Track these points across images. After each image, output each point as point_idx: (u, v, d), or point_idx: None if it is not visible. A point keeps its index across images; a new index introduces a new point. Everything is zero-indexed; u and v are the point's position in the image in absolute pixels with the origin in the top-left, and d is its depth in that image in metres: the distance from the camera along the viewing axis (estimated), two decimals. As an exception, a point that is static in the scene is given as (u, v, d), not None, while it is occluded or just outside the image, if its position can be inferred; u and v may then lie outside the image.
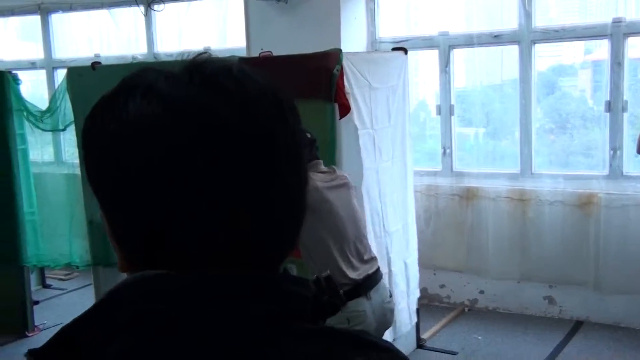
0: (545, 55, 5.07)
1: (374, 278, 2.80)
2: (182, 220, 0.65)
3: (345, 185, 2.91)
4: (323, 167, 2.91)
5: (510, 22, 4.87)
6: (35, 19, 6.48)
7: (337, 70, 3.22)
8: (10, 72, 4.91)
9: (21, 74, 5.04)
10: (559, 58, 5.25)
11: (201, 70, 0.68)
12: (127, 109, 0.67)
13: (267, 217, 0.68)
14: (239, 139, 0.66)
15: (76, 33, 6.60)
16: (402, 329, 3.67)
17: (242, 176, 0.66)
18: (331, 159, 3.24)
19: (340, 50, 3.29)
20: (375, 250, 3.46)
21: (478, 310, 5.03)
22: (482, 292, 5.03)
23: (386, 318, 2.86)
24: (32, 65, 6.54)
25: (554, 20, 4.90)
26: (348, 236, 2.79)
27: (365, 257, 2.81)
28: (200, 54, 0.71)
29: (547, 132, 5.07)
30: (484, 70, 5.40)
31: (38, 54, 6.54)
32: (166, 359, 0.63)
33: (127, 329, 0.63)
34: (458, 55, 5.14)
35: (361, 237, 2.86)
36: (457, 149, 5.19)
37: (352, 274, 2.72)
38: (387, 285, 2.96)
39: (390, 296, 2.92)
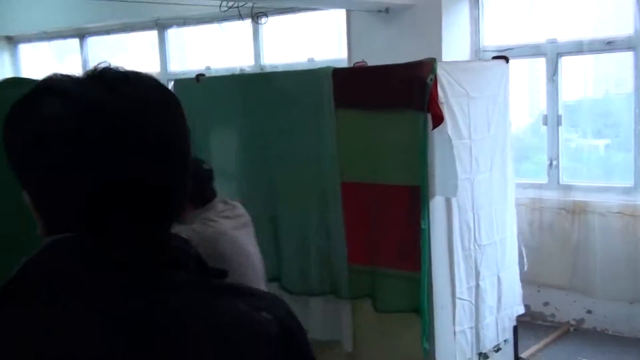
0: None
1: None
2: (87, 194, 0.79)
3: (248, 224, 2.72)
4: (220, 206, 2.66)
5: (624, 27, 4.60)
6: (153, 34, 6.86)
7: (431, 79, 3.16)
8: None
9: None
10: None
11: (102, 77, 0.82)
12: (43, 108, 0.80)
13: (157, 193, 0.83)
14: (133, 132, 0.80)
15: (189, 47, 6.92)
16: (487, 345, 3.54)
17: (135, 161, 0.80)
18: (422, 170, 3.19)
19: (434, 59, 3.23)
20: (462, 263, 3.38)
21: (584, 331, 4.76)
22: (589, 312, 4.76)
23: None
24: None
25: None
26: (260, 279, 2.65)
27: None
28: (100, 63, 0.84)
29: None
30: (599, 79, 5.14)
31: (155, 67, 6.90)
32: (66, 311, 0.76)
33: (38, 286, 0.78)
34: (567, 64, 4.92)
35: (263, 276, 2.75)
36: (566, 160, 4.95)
37: None
38: None
39: None
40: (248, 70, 6.13)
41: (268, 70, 6.02)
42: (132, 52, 7.34)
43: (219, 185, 4.10)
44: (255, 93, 3.88)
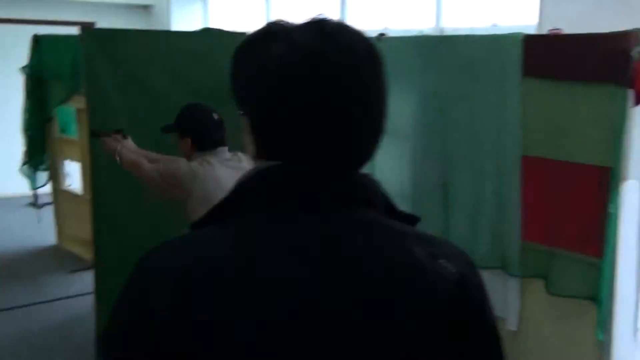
0: None
1: None
2: (300, 128, 0.89)
3: None
4: (228, 155, 2.89)
5: None
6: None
7: (637, 52, 2.89)
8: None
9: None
10: None
11: (321, 27, 0.90)
12: (269, 49, 0.90)
13: (357, 135, 0.91)
14: (344, 77, 0.89)
15: (368, 7, 6.90)
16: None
17: (342, 104, 0.89)
18: (617, 150, 2.95)
19: (642, 30, 2.95)
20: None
21: None
22: None
23: None
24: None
25: None
26: None
27: None
28: (318, 15, 0.93)
29: None
30: None
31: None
32: (268, 228, 0.88)
33: (249, 204, 0.89)
34: None
35: None
36: None
37: None
38: None
39: None
40: (428, 32, 6.01)
41: (447, 33, 5.86)
42: (313, 10, 7.46)
43: (391, 145, 4.11)
44: (436, 56, 3.78)
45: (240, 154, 2.99)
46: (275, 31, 0.92)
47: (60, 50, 5.33)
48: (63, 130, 6.34)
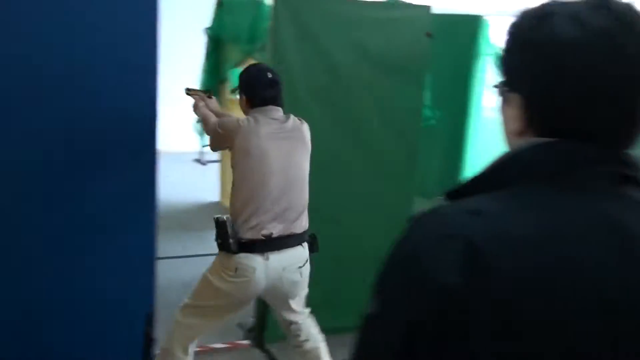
0: None
1: (283, 242, 2.88)
2: (583, 108, 0.89)
3: (293, 139, 2.93)
4: (277, 115, 2.96)
5: None
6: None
7: None
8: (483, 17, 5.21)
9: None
10: None
11: (609, 7, 0.89)
12: (559, 30, 0.89)
13: (633, 116, 0.90)
14: (634, 62, 0.87)
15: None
16: None
17: (630, 87, 0.88)
18: None
19: None
20: None
21: None
22: None
23: (282, 284, 2.95)
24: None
25: None
26: (272, 189, 2.84)
27: (290, 218, 2.87)
28: None
29: None
30: None
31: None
32: (540, 200, 0.88)
33: (524, 177, 0.90)
34: None
35: (292, 195, 2.88)
36: None
37: (261, 226, 2.82)
38: (307, 256, 3.01)
39: (301, 267, 2.96)
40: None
41: None
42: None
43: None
44: None
45: (292, 116, 3.05)
46: (558, 11, 0.91)
47: (240, 13, 5.49)
48: (234, 92, 6.58)
